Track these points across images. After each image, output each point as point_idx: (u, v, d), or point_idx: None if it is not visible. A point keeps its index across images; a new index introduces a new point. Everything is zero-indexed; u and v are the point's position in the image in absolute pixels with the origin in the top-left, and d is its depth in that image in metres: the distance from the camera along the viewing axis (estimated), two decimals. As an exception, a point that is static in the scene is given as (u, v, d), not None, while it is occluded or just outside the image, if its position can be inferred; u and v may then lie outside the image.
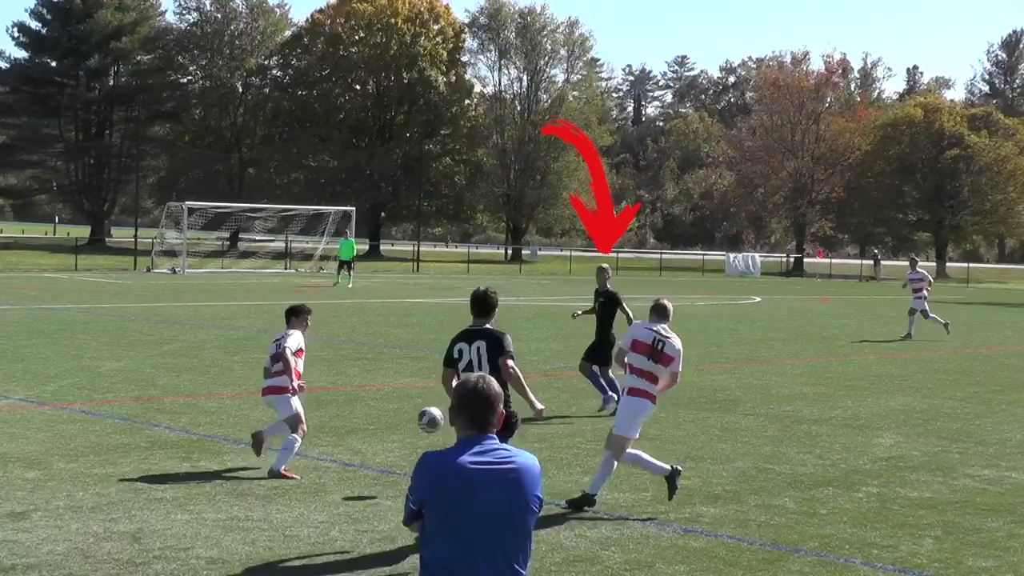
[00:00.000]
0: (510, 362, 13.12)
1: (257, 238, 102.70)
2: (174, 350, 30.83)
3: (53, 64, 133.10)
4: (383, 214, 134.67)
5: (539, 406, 13.62)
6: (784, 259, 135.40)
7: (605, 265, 26.10)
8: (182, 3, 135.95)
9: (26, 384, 24.00)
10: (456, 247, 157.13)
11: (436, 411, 13.90)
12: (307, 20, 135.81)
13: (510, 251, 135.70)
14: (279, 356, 16.98)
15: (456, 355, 13.15)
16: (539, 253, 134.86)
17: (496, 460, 6.51)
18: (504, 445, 6.62)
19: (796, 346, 39.02)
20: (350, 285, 67.90)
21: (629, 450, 15.18)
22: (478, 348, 13.10)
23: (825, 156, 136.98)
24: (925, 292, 43.43)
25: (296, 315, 17.81)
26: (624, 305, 24.78)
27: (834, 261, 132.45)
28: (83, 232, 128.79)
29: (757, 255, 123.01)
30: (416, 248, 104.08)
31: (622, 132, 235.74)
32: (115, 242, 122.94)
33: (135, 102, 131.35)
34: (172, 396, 23.09)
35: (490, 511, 6.44)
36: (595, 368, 23.87)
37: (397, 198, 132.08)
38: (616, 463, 15.04)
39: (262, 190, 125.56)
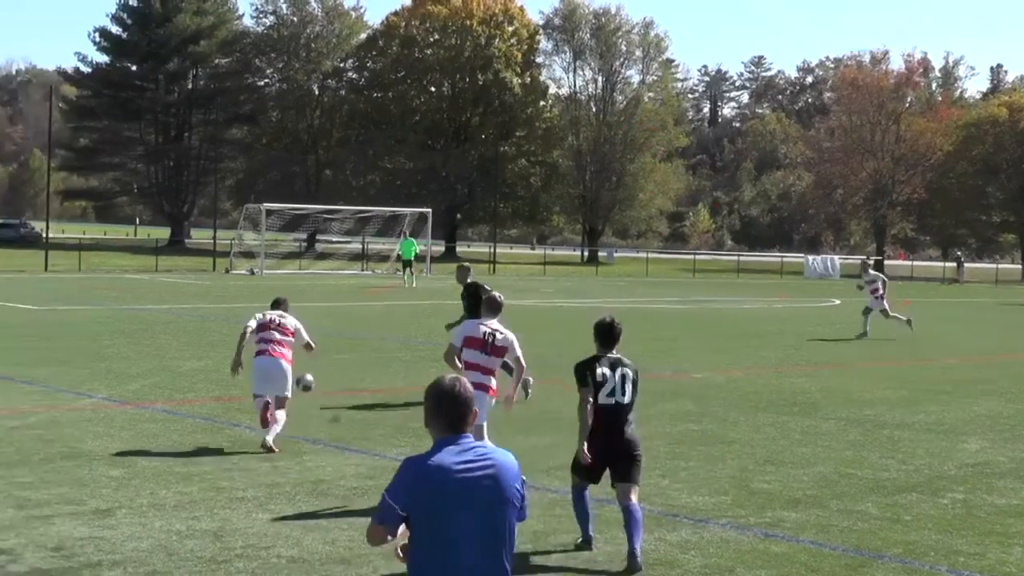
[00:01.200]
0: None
1: (334, 239, 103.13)
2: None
3: (133, 68, 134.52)
4: (459, 216, 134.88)
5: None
6: (864, 261, 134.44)
7: (466, 264, 27.16)
8: (259, 7, 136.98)
9: (109, 383, 24.19)
10: (533, 249, 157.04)
11: (309, 376, 18.59)
12: (382, 22, 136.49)
13: (586, 253, 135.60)
14: (290, 329, 18.95)
15: (600, 379, 13.04)
16: (615, 255, 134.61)
17: (476, 458, 6.64)
18: (481, 444, 6.76)
19: (877, 349, 38.71)
20: (414, 284, 68.24)
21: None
22: (623, 375, 13.13)
23: (906, 157, 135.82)
24: (881, 292, 43.04)
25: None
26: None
27: (915, 263, 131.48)
28: (163, 233, 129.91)
29: (836, 257, 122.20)
30: (492, 250, 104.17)
31: (698, 133, 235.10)
32: (194, 243, 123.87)
33: (213, 105, 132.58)
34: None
35: (474, 508, 6.57)
36: None
37: (473, 200, 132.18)
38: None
39: (338, 192, 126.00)
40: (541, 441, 19.42)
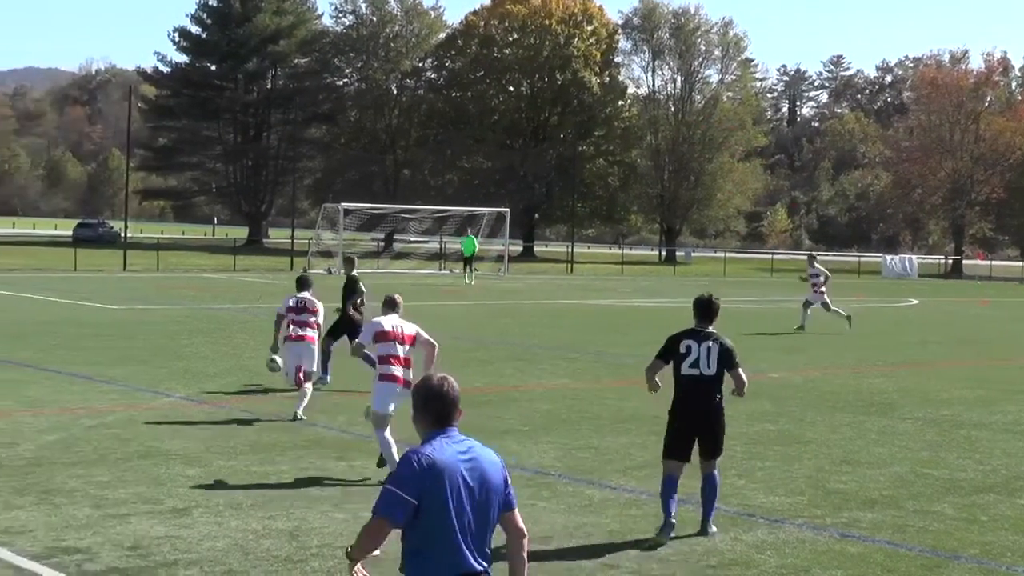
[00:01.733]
0: (741, 372, 13.90)
1: (411, 239, 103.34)
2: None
3: (213, 68, 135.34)
4: (537, 215, 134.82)
5: (744, 394, 14.30)
6: (942, 261, 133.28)
7: (351, 255, 29.26)
8: (338, 6, 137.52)
9: (187, 382, 24.40)
10: (610, 248, 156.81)
11: (279, 358, 21.24)
12: (461, 22, 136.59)
13: (664, 252, 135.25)
14: (316, 310, 20.88)
15: (684, 350, 13.68)
16: (693, 254, 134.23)
17: (466, 450, 7.01)
18: (466, 437, 7.11)
19: (954, 349, 38.45)
20: (472, 282, 68.60)
21: (385, 435, 16.18)
22: (708, 348, 13.66)
23: (985, 156, 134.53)
24: (824, 287, 43.32)
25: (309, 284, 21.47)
26: (360, 286, 27.39)
27: (994, 263, 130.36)
28: (241, 233, 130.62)
29: (914, 257, 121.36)
30: (570, 249, 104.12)
31: (777, 133, 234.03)
32: (272, 243, 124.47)
33: (292, 104, 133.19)
34: (328, 395, 23.32)
35: (469, 495, 6.90)
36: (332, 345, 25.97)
37: (551, 199, 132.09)
38: (391, 440, 16.11)
39: (416, 191, 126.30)
40: (617, 441, 19.40)
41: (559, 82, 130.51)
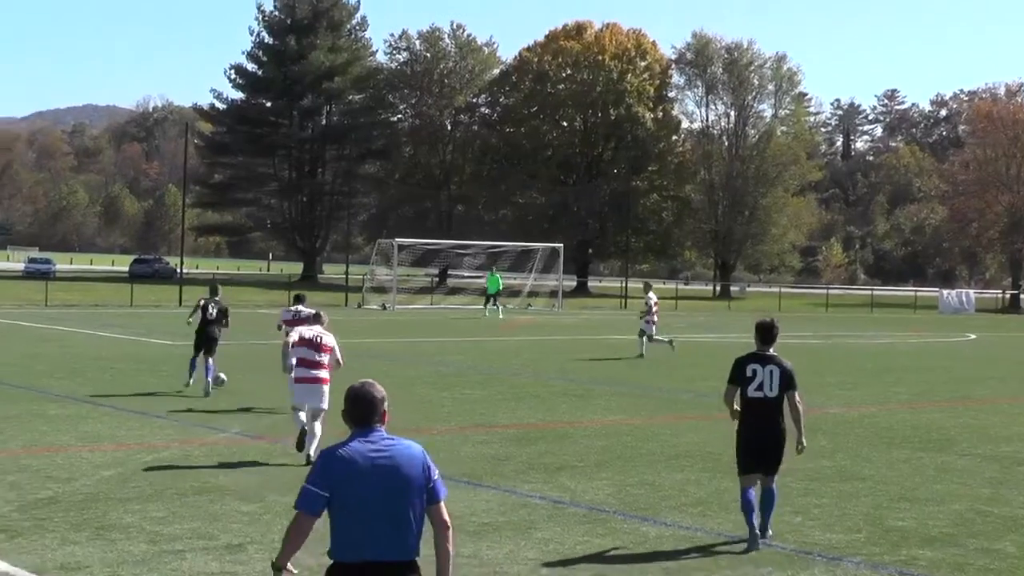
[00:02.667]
0: (797, 395, 14.98)
1: (465, 275, 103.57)
2: (384, 385, 31.04)
3: (268, 104, 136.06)
4: (590, 251, 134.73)
5: (804, 443, 15.33)
6: (1000, 295, 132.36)
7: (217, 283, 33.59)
8: (392, 43, 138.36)
9: (242, 418, 24.42)
10: (664, 283, 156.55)
11: (223, 375, 27.16)
12: (515, 58, 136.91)
13: (718, 287, 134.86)
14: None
15: (749, 374, 14.78)
16: (748, 290, 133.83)
17: (383, 448, 7.66)
18: (389, 435, 7.78)
19: (1014, 385, 38.12)
20: (501, 316, 68.93)
21: (317, 424, 19.93)
22: (771, 372, 14.76)
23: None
24: (654, 317, 44.79)
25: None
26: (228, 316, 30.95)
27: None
28: (295, 269, 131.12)
29: (971, 291, 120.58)
30: (624, 284, 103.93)
31: (831, 167, 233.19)
32: (326, 278, 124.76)
33: (347, 140, 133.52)
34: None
35: (381, 489, 7.52)
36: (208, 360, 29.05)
37: (604, 234, 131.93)
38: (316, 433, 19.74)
39: (470, 227, 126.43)
40: (672, 478, 19.27)
41: (612, 117, 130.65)
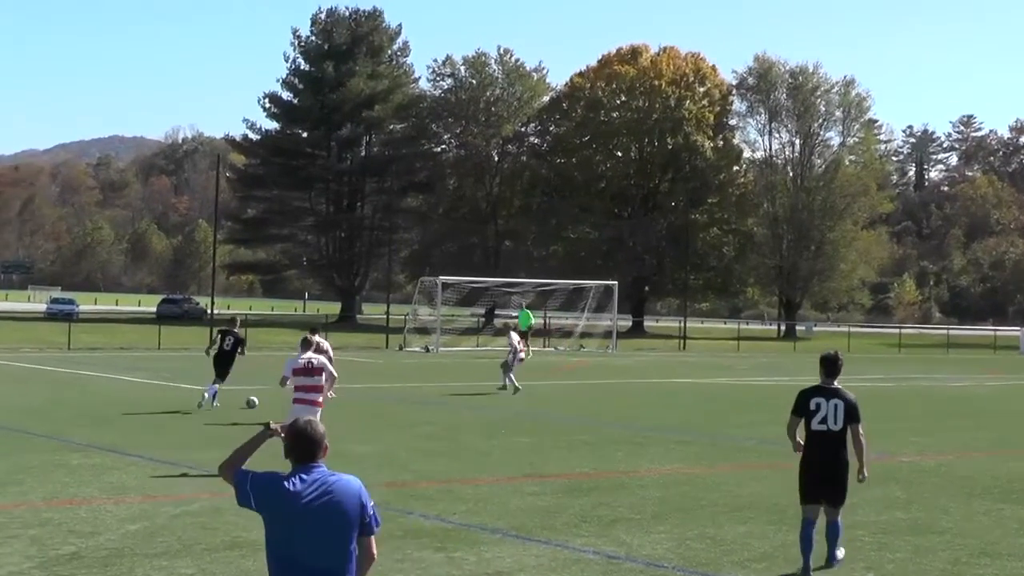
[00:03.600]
0: (861, 429, 15.88)
1: (514, 314, 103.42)
2: (428, 433, 31.13)
3: (304, 135, 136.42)
4: (647, 288, 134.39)
5: (866, 474, 16.20)
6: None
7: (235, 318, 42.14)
8: (436, 69, 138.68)
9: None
10: (725, 323, 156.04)
11: (255, 399, 34.67)
12: (566, 84, 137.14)
13: (783, 327, 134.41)
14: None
15: (813, 407, 15.78)
16: (815, 329, 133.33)
17: (320, 484, 8.40)
18: (328, 471, 8.51)
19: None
20: (529, 354, 69.52)
21: None
22: (835, 405, 15.68)
23: None
24: (520, 356, 46.74)
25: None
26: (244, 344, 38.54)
27: None
28: (333, 308, 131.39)
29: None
30: (682, 324, 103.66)
31: (903, 198, 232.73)
32: (366, 319, 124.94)
33: (388, 173, 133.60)
34: (426, 482, 23.27)
35: (314, 525, 8.31)
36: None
37: (661, 271, 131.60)
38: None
39: (519, 263, 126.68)
40: (734, 531, 19.15)
41: (670, 146, 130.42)
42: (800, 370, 63.64)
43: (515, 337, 46.99)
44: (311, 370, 25.17)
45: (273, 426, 9.13)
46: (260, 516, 8.41)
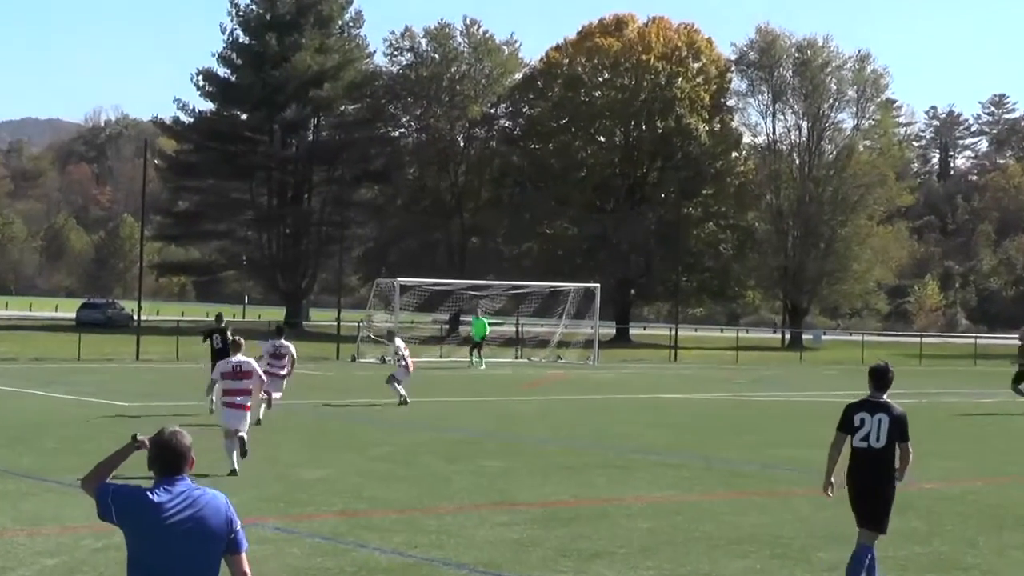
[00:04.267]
0: (909, 446, 16.29)
1: (466, 318, 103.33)
2: (384, 455, 31.15)
3: (244, 117, 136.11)
4: (633, 291, 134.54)
5: (902, 478, 16.56)
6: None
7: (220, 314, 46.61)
8: (393, 43, 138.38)
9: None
10: (722, 331, 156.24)
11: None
12: (541, 60, 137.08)
13: (788, 335, 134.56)
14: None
15: (857, 423, 16.17)
16: (824, 338, 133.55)
17: (183, 499, 8.90)
18: (193, 485, 9.01)
19: None
20: (482, 367, 69.68)
21: (228, 442, 27.17)
22: (879, 420, 16.07)
23: None
24: (408, 365, 47.08)
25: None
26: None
27: None
28: (277, 314, 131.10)
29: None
30: (674, 332, 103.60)
31: (925, 189, 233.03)
32: (314, 326, 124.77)
33: (339, 160, 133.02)
34: (383, 511, 23.30)
35: (176, 540, 8.80)
36: None
37: (650, 272, 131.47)
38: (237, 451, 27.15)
39: (488, 263, 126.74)
40: (732, 566, 19.21)
41: (660, 130, 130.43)
42: (807, 384, 63.87)
43: (401, 343, 47.80)
44: (239, 374, 28.11)
45: (140, 438, 9.45)
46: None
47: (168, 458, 9.05)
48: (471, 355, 75.98)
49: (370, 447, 32.83)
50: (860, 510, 16.45)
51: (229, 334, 40.50)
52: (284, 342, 39.90)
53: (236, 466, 26.91)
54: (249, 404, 28.41)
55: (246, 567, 9.06)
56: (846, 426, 16.35)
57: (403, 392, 45.85)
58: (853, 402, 16.60)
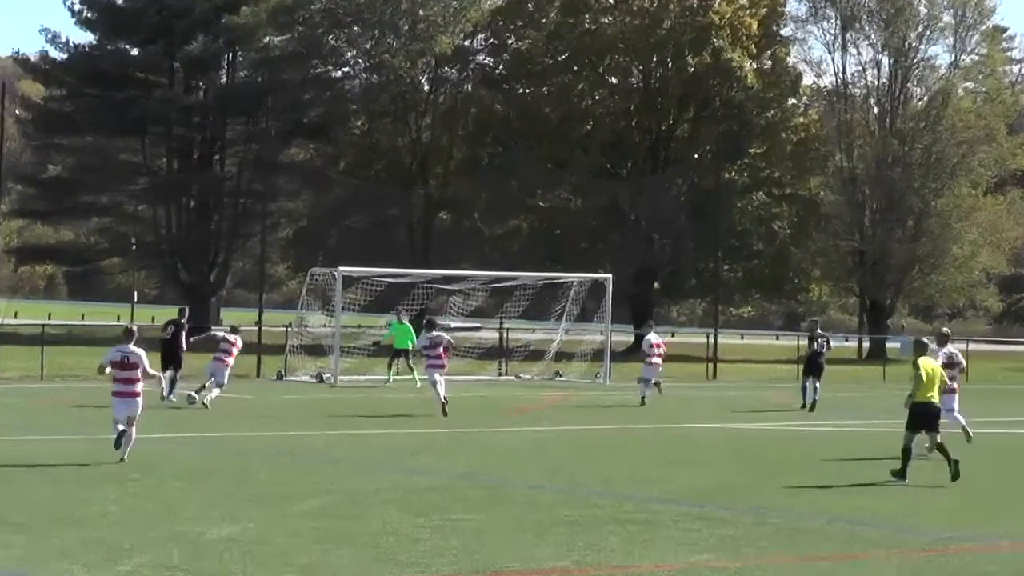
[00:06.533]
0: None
1: (452, 324, 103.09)
2: (323, 507, 31.01)
3: (134, 52, 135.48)
4: (657, 285, 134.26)
5: None
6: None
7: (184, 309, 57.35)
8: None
9: (90, 562, 24.23)
10: (777, 338, 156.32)
11: (194, 395, 57.43)
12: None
13: (865, 343, 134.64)
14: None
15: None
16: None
17: None
18: None
19: None
20: (390, 382, 71.27)
21: (132, 430, 36.55)
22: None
23: None
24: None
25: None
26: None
27: None
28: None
29: None
30: (712, 340, 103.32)
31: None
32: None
33: (261, 110, 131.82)
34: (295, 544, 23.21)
35: None
36: None
37: (679, 259, 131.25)
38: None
39: (461, 246, 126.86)
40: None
41: (691, 69, 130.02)
42: (886, 411, 63.51)
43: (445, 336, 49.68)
44: (126, 364, 36.95)
45: None
46: None
47: None
48: (389, 367, 76.99)
49: (304, 496, 32.61)
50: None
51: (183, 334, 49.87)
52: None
53: (125, 455, 36.53)
54: (139, 391, 37.35)
55: None
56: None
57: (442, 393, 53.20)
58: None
